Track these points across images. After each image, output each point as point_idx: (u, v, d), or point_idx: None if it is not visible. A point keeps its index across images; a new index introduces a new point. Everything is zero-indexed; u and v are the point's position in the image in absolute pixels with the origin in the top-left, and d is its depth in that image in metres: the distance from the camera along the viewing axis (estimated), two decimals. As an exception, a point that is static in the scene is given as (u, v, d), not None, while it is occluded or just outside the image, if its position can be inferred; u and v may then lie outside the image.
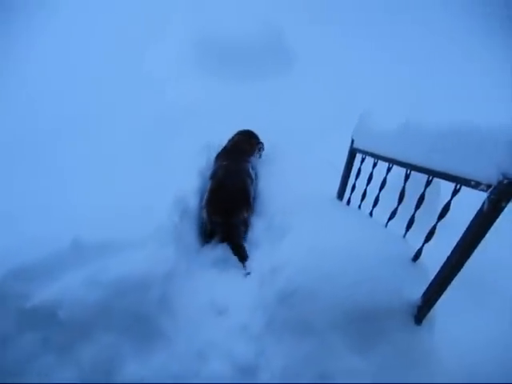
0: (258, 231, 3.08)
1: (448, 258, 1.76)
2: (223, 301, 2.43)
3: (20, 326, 2.08)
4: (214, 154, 3.80)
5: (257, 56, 5.09)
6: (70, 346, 2.07)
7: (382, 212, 2.54)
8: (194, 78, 4.72)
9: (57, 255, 2.18)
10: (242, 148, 3.76)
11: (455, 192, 1.77)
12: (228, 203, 3.10)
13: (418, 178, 2.15)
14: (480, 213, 1.55)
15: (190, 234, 2.88)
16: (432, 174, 1.93)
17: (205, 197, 3.24)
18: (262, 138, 3.92)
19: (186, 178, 3.34)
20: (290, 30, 5.57)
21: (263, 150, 3.97)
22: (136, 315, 2.11)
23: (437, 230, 1.98)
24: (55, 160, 3.38)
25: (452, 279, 1.77)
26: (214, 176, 3.39)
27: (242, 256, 2.87)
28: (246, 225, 3.20)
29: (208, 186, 3.32)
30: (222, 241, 2.99)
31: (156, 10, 6.26)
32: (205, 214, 3.13)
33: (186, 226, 2.87)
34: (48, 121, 3.93)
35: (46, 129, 3.79)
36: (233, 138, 3.93)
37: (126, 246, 2.27)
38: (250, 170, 3.55)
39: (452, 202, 1.83)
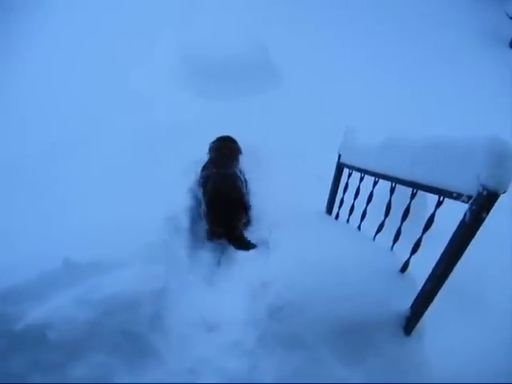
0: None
1: (433, 269, 1.79)
2: (214, 317, 2.43)
3: (9, 347, 2.06)
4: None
5: (244, 72, 5.16)
6: (60, 365, 2.05)
7: (370, 225, 2.58)
8: (182, 96, 4.77)
9: (47, 275, 2.17)
10: (227, 154, 3.82)
11: (439, 204, 1.81)
12: (228, 216, 3.20)
13: (405, 191, 2.20)
14: (462, 224, 1.59)
15: (181, 251, 2.88)
16: (416, 186, 1.97)
17: (203, 207, 3.30)
18: (248, 154, 3.97)
19: (176, 196, 3.35)
20: (275, 44, 5.66)
21: (241, 154, 4.05)
22: (127, 333, 2.11)
23: (423, 242, 2.01)
24: (44, 181, 3.36)
25: (438, 290, 1.80)
26: (207, 184, 3.38)
27: (248, 249, 3.03)
28: (246, 225, 3.40)
29: (202, 195, 3.37)
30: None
31: (143, 28, 6.34)
32: (206, 225, 3.24)
33: (176, 243, 2.88)
34: (36, 142, 3.92)
35: (34, 151, 3.78)
36: (214, 144, 3.97)
37: (117, 264, 2.27)
38: (240, 174, 3.64)
39: (438, 213, 1.86)
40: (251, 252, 2.95)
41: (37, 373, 2.05)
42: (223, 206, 3.21)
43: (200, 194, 3.45)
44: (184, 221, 3.18)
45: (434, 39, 6.80)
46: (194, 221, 3.35)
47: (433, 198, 1.97)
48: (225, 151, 3.84)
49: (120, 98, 4.78)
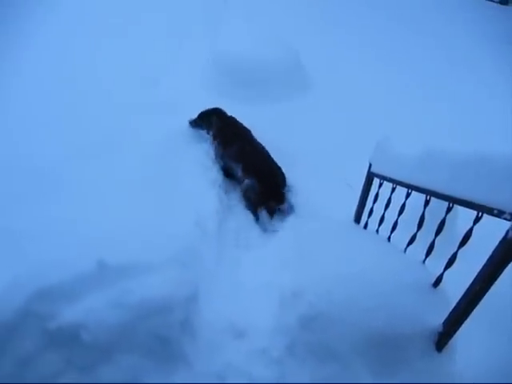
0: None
1: (470, 286, 1.76)
2: (243, 323, 2.44)
3: (44, 345, 2.10)
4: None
5: (274, 77, 5.17)
6: (92, 366, 2.09)
7: (398, 236, 2.56)
8: (209, 100, 4.78)
9: (81, 276, 2.19)
10: (239, 125, 4.12)
11: (477, 220, 1.78)
12: (277, 190, 3.69)
13: (435, 204, 2.18)
14: (504, 241, 1.56)
15: (209, 256, 2.90)
16: (453, 200, 1.95)
17: (251, 184, 3.65)
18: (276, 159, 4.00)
19: (203, 199, 3.38)
20: (307, 50, 5.67)
21: None
22: (158, 337, 2.14)
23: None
24: (72, 183, 3.40)
25: (474, 308, 1.78)
26: (244, 161, 3.77)
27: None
28: None
29: (241, 171, 3.76)
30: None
31: (171, 30, 6.41)
32: (258, 201, 3.60)
33: (204, 248, 2.90)
34: (65, 144, 3.96)
35: (66, 153, 3.83)
36: (218, 115, 4.20)
37: (149, 268, 2.29)
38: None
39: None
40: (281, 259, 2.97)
41: (70, 372, 2.09)
42: (270, 184, 3.66)
43: (227, 162, 3.90)
44: (211, 225, 3.20)
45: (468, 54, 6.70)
46: (220, 223, 3.37)
47: (464, 213, 1.97)
48: (234, 122, 4.15)
49: (147, 99, 4.81)
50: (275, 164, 3.84)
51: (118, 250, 2.35)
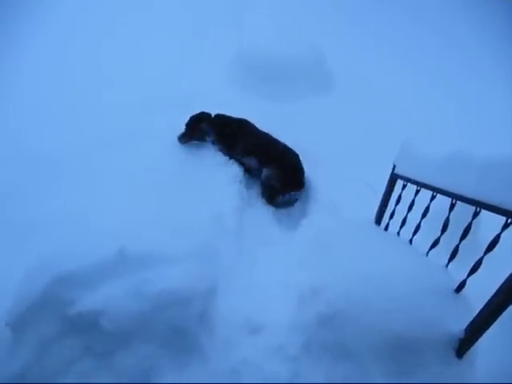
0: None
1: (495, 294, 1.73)
2: (259, 319, 2.45)
3: (63, 330, 2.14)
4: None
5: (296, 76, 5.14)
6: (109, 353, 2.12)
7: (420, 240, 2.52)
8: (233, 94, 4.79)
9: (102, 264, 2.21)
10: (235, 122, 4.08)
11: (506, 226, 1.74)
12: (300, 181, 3.80)
13: (460, 209, 2.14)
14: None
15: (228, 251, 2.91)
16: (480, 205, 1.91)
17: (271, 173, 3.73)
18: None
19: (225, 195, 3.38)
20: (332, 49, 5.64)
21: None
22: (176, 329, 2.15)
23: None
24: (98, 174, 3.46)
25: (499, 316, 1.74)
26: (257, 153, 3.82)
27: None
28: None
29: (258, 163, 3.82)
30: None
31: (195, 27, 6.43)
32: (281, 187, 3.69)
33: (224, 243, 2.91)
34: (88, 133, 4.03)
35: (86, 142, 3.89)
36: (221, 120, 4.08)
37: (169, 260, 2.30)
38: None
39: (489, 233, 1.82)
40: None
41: (87, 358, 2.13)
42: (292, 173, 3.78)
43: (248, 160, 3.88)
44: (231, 221, 3.21)
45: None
46: (240, 220, 3.38)
47: (487, 218, 1.93)
48: (227, 120, 4.10)
49: (170, 93, 4.83)
50: (287, 147, 3.92)
51: (139, 241, 2.36)
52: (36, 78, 5.01)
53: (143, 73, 5.22)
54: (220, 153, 4.00)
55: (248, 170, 3.97)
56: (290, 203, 3.79)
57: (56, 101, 4.59)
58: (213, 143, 4.05)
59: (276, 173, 3.73)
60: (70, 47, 5.71)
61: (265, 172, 3.78)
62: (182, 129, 4.04)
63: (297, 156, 3.89)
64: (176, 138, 3.99)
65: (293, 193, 3.76)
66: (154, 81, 5.04)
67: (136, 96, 4.65)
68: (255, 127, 4.04)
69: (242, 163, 3.94)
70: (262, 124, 4.04)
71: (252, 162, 3.86)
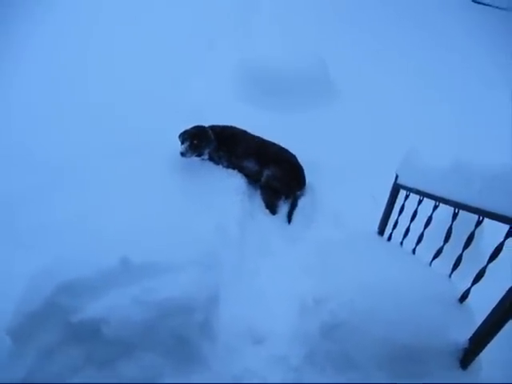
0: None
1: (499, 303, 1.73)
2: (262, 329, 2.44)
3: (65, 339, 2.13)
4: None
5: (301, 87, 5.19)
6: (112, 361, 2.11)
7: (424, 250, 2.52)
8: (237, 107, 4.82)
9: (105, 273, 2.21)
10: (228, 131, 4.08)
11: (509, 234, 1.74)
12: (301, 179, 3.90)
13: (462, 218, 2.15)
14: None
15: (231, 260, 2.91)
16: (483, 214, 1.91)
17: (273, 173, 3.78)
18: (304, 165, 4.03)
19: (228, 205, 3.39)
20: (334, 62, 5.68)
21: None
22: (178, 338, 2.14)
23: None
24: (100, 182, 3.45)
25: (503, 325, 1.73)
26: (257, 156, 3.86)
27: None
28: None
29: (258, 165, 3.86)
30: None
31: (200, 37, 6.47)
32: (286, 190, 3.81)
33: (227, 252, 2.91)
34: (93, 143, 4.02)
35: (90, 151, 3.89)
36: (219, 130, 4.03)
37: (171, 268, 2.30)
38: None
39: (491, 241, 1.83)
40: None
41: (90, 366, 2.12)
42: (294, 173, 3.87)
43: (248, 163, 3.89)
44: (234, 230, 3.21)
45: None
46: (242, 229, 3.38)
47: (490, 226, 1.93)
48: (219, 129, 4.06)
49: (176, 103, 4.85)
50: (283, 148, 3.98)
51: (142, 249, 2.36)
52: (39, 81, 4.98)
53: (147, 82, 5.23)
54: (219, 165, 3.99)
55: (249, 176, 3.97)
56: (293, 205, 3.81)
57: (60, 107, 4.57)
58: (209, 158, 3.99)
59: (277, 172, 3.78)
60: (74, 51, 5.71)
61: (266, 172, 3.81)
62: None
63: (294, 156, 3.96)
64: (179, 153, 3.78)
65: (298, 193, 3.87)
66: (159, 91, 5.07)
67: (141, 106, 4.67)
68: (247, 131, 4.08)
69: (242, 167, 3.94)
70: (267, 134, 4.05)
71: (252, 164, 3.88)
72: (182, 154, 3.70)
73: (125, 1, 7.04)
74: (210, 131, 3.95)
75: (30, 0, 6.67)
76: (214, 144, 3.92)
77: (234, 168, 3.97)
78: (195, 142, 3.75)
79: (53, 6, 6.59)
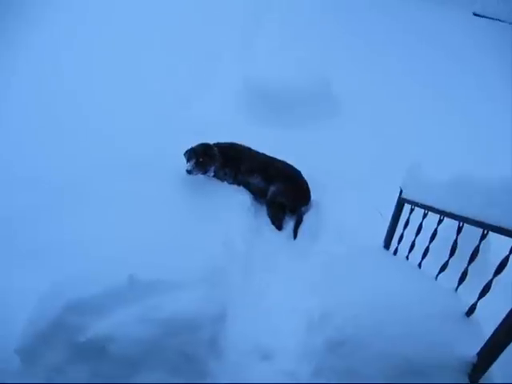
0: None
1: (506, 317, 1.71)
2: (269, 345, 2.44)
3: (72, 357, 2.14)
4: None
5: (303, 103, 5.26)
6: (119, 379, 2.11)
7: (430, 263, 2.52)
8: (241, 124, 4.87)
9: (112, 290, 2.23)
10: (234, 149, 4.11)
11: (515, 248, 1.75)
12: (306, 194, 3.94)
13: (467, 232, 2.15)
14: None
15: (237, 277, 2.91)
16: (487, 228, 1.92)
17: (278, 189, 3.82)
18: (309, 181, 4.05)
19: (234, 222, 3.40)
20: (339, 78, 5.73)
21: None
22: (184, 355, 2.14)
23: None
24: (105, 200, 3.46)
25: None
26: (263, 172, 3.90)
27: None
28: None
29: (263, 182, 3.90)
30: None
31: (202, 53, 6.57)
32: (292, 205, 3.85)
33: (233, 269, 2.91)
34: (95, 160, 4.07)
35: (97, 166, 3.93)
36: (221, 148, 4.03)
37: (177, 286, 2.31)
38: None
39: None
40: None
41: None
42: (302, 190, 3.93)
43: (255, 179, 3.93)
44: (240, 247, 3.22)
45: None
46: (248, 246, 3.39)
47: (497, 240, 1.93)
48: (224, 147, 4.07)
49: (180, 120, 4.89)
50: (287, 163, 4.02)
51: (149, 267, 2.38)
52: (36, 94, 5.06)
53: (152, 99, 5.30)
54: (224, 182, 4.01)
55: (254, 192, 4.00)
56: (299, 220, 3.83)
57: (60, 121, 4.66)
58: (214, 175, 3.98)
59: (283, 188, 3.81)
60: (75, 60, 5.82)
61: (272, 189, 3.85)
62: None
63: (299, 172, 4.00)
64: (185, 170, 3.78)
65: (303, 208, 3.90)
66: (164, 108, 5.14)
67: (145, 122, 4.74)
68: (251, 148, 4.12)
69: (247, 184, 3.97)
70: (271, 151, 4.08)
71: (257, 180, 3.91)
72: (189, 172, 3.72)
73: (129, 13, 7.16)
74: (216, 148, 3.98)
75: (29, 0, 6.78)
76: (220, 161, 3.94)
77: (239, 185, 3.99)
78: (201, 159, 3.77)
79: (57, 7, 6.73)
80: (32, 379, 2.14)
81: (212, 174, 3.96)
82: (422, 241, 2.59)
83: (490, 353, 1.81)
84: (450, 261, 2.28)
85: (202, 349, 2.19)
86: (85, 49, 6.15)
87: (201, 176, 3.88)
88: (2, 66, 5.48)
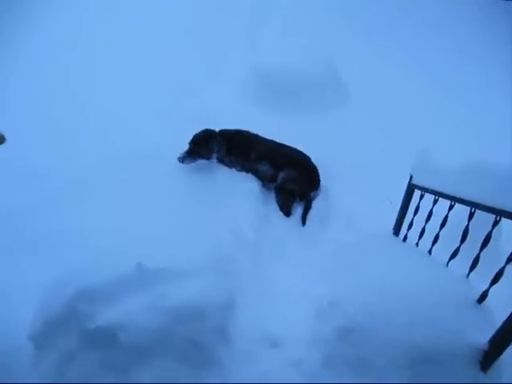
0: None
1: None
2: (277, 333, 2.44)
3: (82, 345, 2.16)
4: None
5: (311, 90, 5.20)
6: (128, 367, 2.12)
7: (440, 250, 2.48)
8: (248, 112, 4.82)
9: (121, 279, 2.24)
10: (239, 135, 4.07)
11: (527, 234, 1.71)
12: (317, 180, 3.89)
13: (477, 216, 2.11)
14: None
15: (246, 264, 2.90)
16: (500, 213, 1.88)
17: (288, 175, 3.76)
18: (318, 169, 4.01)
19: (242, 210, 3.38)
20: (345, 64, 5.65)
21: None
22: (193, 342, 2.15)
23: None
24: (114, 190, 3.48)
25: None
26: (271, 158, 3.85)
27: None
28: None
29: (272, 168, 3.85)
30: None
31: (209, 43, 6.50)
32: (302, 191, 3.80)
33: (242, 256, 2.91)
34: (102, 153, 4.07)
35: (95, 161, 3.94)
36: (229, 134, 4.03)
37: (186, 274, 2.31)
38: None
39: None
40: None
41: (106, 372, 2.13)
42: (311, 175, 3.87)
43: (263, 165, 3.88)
44: (248, 235, 3.20)
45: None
46: (257, 233, 3.37)
47: (509, 226, 1.89)
48: (230, 133, 4.05)
49: (185, 109, 4.87)
50: (297, 150, 3.98)
51: (157, 255, 2.38)
52: (37, 88, 5.10)
53: (158, 88, 5.28)
54: (232, 169, 3.97)
55: (262, 179, 3.96)
56: (308, 206, 3.79)
57: (62, 119, 4.67)
58: (218, 160, 3.97)
59: (293, 174, 3.77)
60: (77, 53, 5.84)
61: (281, 175, 3.80)
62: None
63: (308, 157, 3.96)
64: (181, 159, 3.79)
65: (312, 194, 3.85)
66: (170, 97, 5.12)
67: (151, 112, 4.72)
68: (258, 135, 4.07)
69: (256, 171, 3.93)
70: (279, 138, 4.04)
71: (266, 167, 3.87)
72: (179, 160, 3.76)
73: (136, 10, 7.12)
74: (217, 135, 3.97)
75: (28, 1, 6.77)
76: (223, 148, 3.93)
77: (247, 171, 3.96)
78: (195, 147, 3.83)
79: (57, 7, 6.73)
80: (46, 365, 2.18)
81: (215, 160, 3.96)
82: (432, 227, 2.56)
83: (501, 340, 1.79)
84: (463, 248, 2.24)
85: (210, 336, 2.20)
86: (85, 43, 6.17)
87: (206, 166, 3.87)
88: (2, 66, 5.51)
